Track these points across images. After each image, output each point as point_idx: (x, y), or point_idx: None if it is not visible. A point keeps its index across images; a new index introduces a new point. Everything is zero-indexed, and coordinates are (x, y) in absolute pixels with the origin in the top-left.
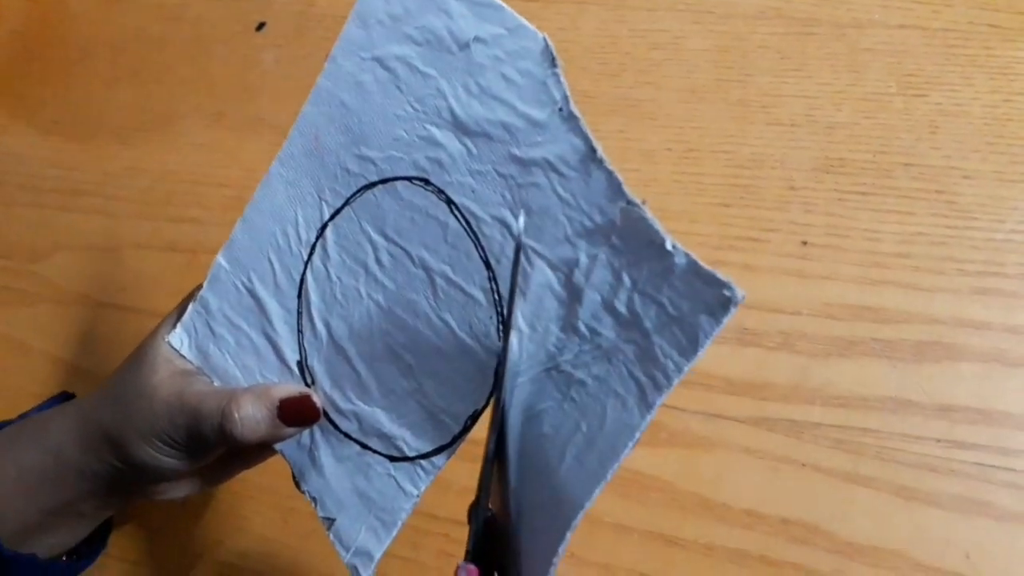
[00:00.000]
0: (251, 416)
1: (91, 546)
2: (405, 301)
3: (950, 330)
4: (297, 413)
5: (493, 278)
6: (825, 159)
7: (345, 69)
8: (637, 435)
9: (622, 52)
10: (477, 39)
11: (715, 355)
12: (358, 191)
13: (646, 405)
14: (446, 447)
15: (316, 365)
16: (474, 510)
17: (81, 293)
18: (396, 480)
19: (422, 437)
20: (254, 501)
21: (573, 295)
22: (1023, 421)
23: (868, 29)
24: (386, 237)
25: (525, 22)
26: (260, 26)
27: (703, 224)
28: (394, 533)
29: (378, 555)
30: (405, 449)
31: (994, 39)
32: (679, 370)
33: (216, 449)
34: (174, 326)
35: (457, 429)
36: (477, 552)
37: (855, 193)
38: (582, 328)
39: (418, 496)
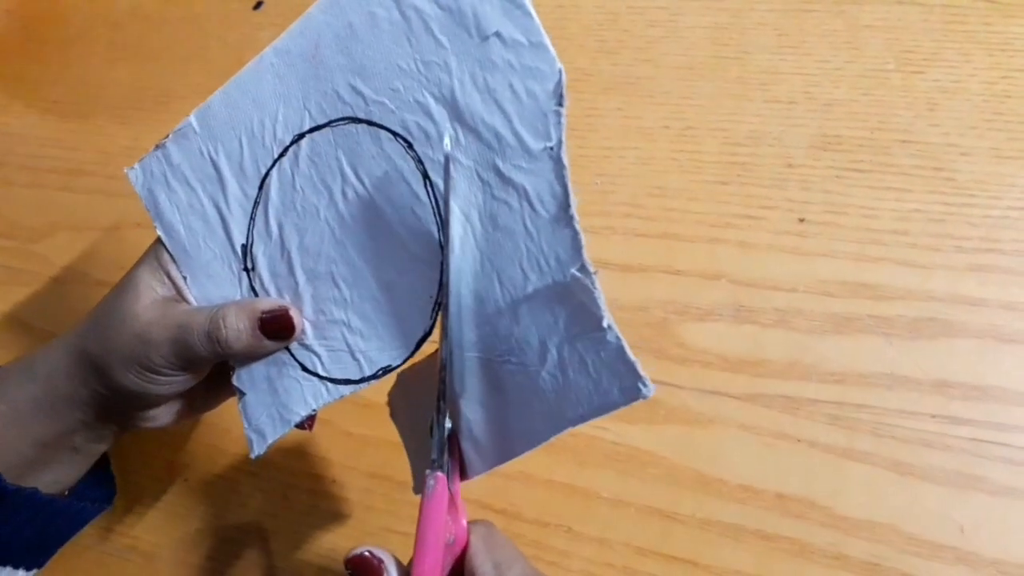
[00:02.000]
0: (234, 326)
1: (94, 486)
2: (358, 241)
3: (946, 307)
4: (276, 325)
5: (446, 268)
6: (823, 136)
7: None
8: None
9: (620, 29)
10: (498, 35)
11: (711, 332)
12: (344, 119)
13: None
14: (352, 382)
15: (260, 256)
16: (435, 422)
17: (81, 272)
18: (301, 387)
19: (336, 364)
20: (255, 477)
21: (513, 315)
22: (1018, 397)
23: (866, 5)
24: (357, 175)
25: (548, 42)
26: (258, 5)
27: (700, 202)
28: (287, 430)
29: (271, 440)
30: (318, 367)
31: (993, 15)
32: (583, 420)
33: (203, 363)
34: (157, 260)
35: (367, 373)
36: (442, 461)
37: (852, 170)
38: (513, 341)
39: (315, 410)
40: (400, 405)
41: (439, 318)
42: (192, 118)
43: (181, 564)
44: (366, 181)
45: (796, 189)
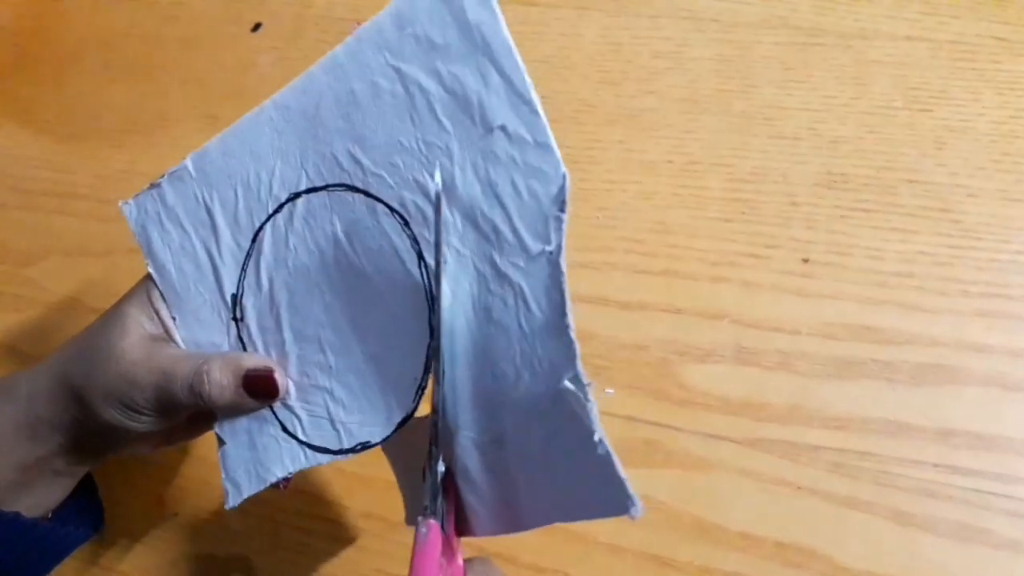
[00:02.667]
0: (218, 381)
1: (80, 512)
2: (348, 310)
3: (951, 352)
4: (259, 386)
5: (434, 348)
6: (828, 174)
7: (365, 58)
8: None
9: (624, 60)
10: (503, 128)
11: (712, 373)
12: (341, 185)
13: None
14: (331, 452)
15: (249, 308)
16: (428, 467)
17: (73, 298)
18: (280, 448)
19: (316, 431)
20: (246, 514)
21: (506, 407)
22: (1022, 447)
23: (874, 41)
24: (351, 244)
25: (554, 144)
26: (256, 27)
27: (703, 239)
28: (262, 487)
29: (246, 495)
30: (298, 430)
31: (1002, 53)
32: (574, 520)
33: (185, 410)
34: (148, 296)
35: (346, 445)
36: (435, 507)
37: (858, 210)
38: (507, 429)
39: (291, 474)
40: (392, 438)
41: (431, 390)
42: (188, 162)
43: None
44: (360, 251)
45: (801, 228)
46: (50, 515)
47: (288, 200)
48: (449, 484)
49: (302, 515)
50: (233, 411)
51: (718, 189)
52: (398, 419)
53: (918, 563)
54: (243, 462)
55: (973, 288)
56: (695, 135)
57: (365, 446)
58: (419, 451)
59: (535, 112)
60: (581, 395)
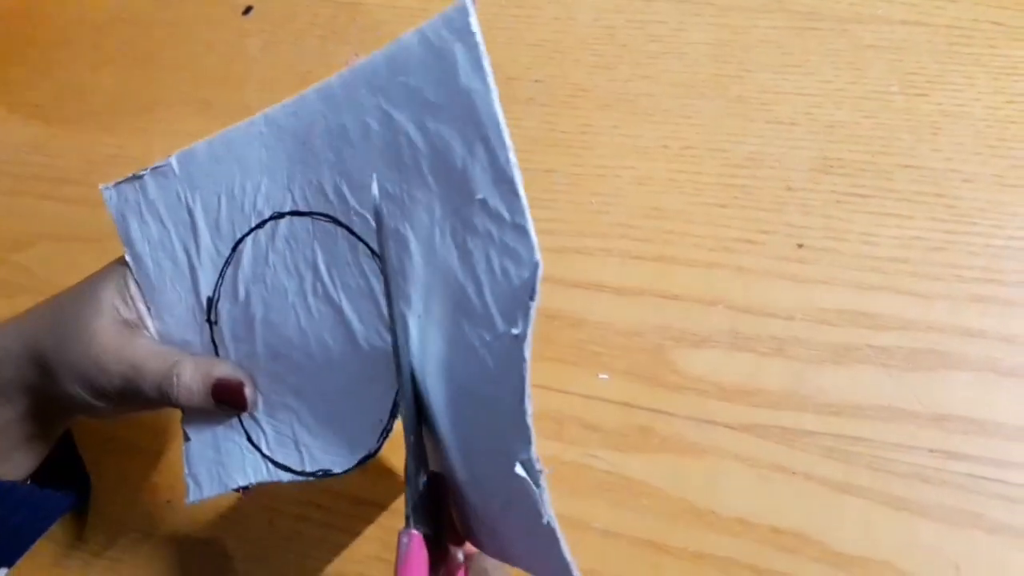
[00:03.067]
0: (187, 385)
1: (64, 482)
2: (321, 340)
3: (946, 338)
4: (228, 396)
5: (399, 400)
6: (823, 159)
7: (358, 95)
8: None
9: (618, 44)
10: (484, 202)
11: (707, 359)
12: (326, 216)
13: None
14: (292, 472)
15: (224, 314)
16: (408, 477)
17: (64, 284)
18: (243, 457)
19: (280, 448)
20: (239, 501)
21: (475, 461)
22: (1017, 432)
23: (870, 25)
24: (330, 276)
25: (531, 228)
26: (247, 10)
27: (698, 225)
28: (223, 491)
29: (207, 494)
30: (262, 444)
31: (999, 37)
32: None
33: (149, 404)
34: (124, 280)
35: (308, 468)
36: (418, 517)
37: (853, 195)
38: (477, 477)
39: (252, 485)
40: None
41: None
42: (174, 160)
43: None
44: (338, 285)
45: (796, 213)
46: (29, 481)
47: (272, 218)
48: (443, 490)
49: (296, 502)
50: (199, 414)
51: (713, 174)
52: (361, 455)
53: (912, 547)
54: (206, 462)
55: (968, 273)
56: (690, 120)
57: (327, 474)
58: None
59: (515, 192)
60: (531, 482)
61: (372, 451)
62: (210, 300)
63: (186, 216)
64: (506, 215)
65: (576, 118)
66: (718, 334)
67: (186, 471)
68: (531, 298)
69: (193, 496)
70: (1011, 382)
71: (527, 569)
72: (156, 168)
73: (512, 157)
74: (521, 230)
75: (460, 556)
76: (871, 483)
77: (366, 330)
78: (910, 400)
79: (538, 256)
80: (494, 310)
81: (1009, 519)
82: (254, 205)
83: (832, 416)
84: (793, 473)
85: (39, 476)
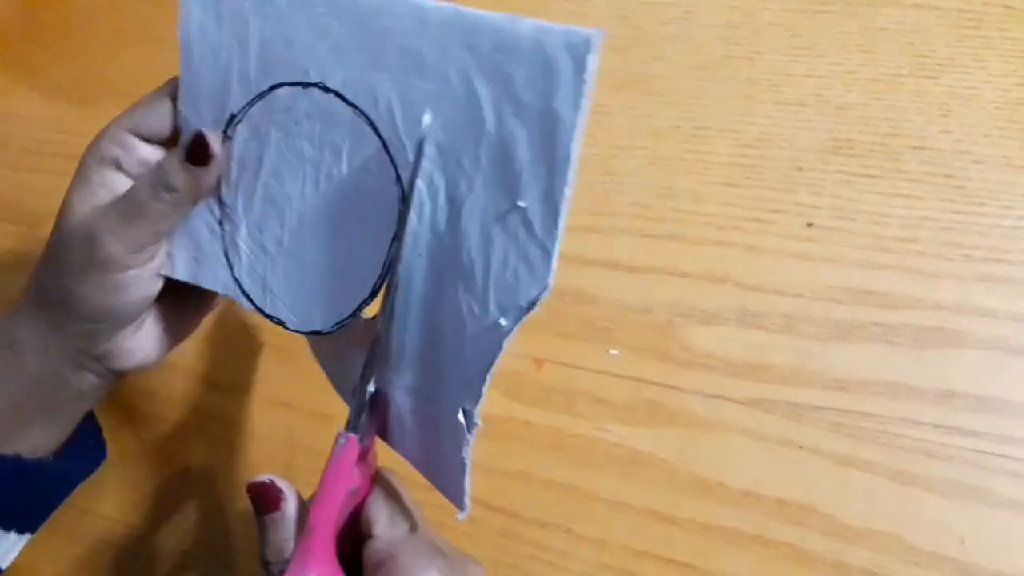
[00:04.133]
0: (167, 168)
1: (84, 451)
2: (316, 217)
3: (953, 316)
4: (197, 152)
5: (389, 281)
6: (833, 140)
7: (448, 40)
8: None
9: (632, 26)
10: (522, 210)
11: (716, 336)
12: (368, 121)
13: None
14: (252, 303)
15: (239, 136)
16: (360, 383)
17: None
18: (217, 266)
19: (249, 279)
20: (253, 471)
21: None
22: (1023, 409)
23: (881, 8)
24: (350, 172)
25: (555, 257)
26: None
27: (709, 204)
28: (191, 282)
29: (178, 276)
30: (235, 266)
31: (1009, 20)
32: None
33: (156, 220)
34: (99, 161)
35: (266, 309)
36: (356, 424)
37: (863, 175)
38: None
39: (220, 294)
40: (320, 341)
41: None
42: None
43: (179, 554)
44: (354, 184)
45: (805, 193)
46: (51, 457)
47: (318, 86)
48: (378, 402)
49: (311, 471)
50: (193, 195)
51: (724, 154)
52: (311, 328)
53: (918, 521)
54: (184, 251)
55: (976, 253)
56: (702, 101)
57: (280, 323)
58: (351, 366)
59: (555, 222)
60: (465, 428)
61: (323, 331)
62: (232, 116)
63: (243, 32)
64: (538, 232)
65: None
66: (727, 311)
67: (167, 246)
68: (530, 308)
69: (165, 270)
70: (1018, 360)
71: (432, 480)
72: None
73: (568, 193)
74: (546, 253)
75: (373, 467)
76: (878, 458)
77: (361, 235)
78: (917, 377)
79: (551, 281)
80: (491, 295)
81: (1015, 494)
82: (305, 65)
83: (839, 392)
84: (800, 447)
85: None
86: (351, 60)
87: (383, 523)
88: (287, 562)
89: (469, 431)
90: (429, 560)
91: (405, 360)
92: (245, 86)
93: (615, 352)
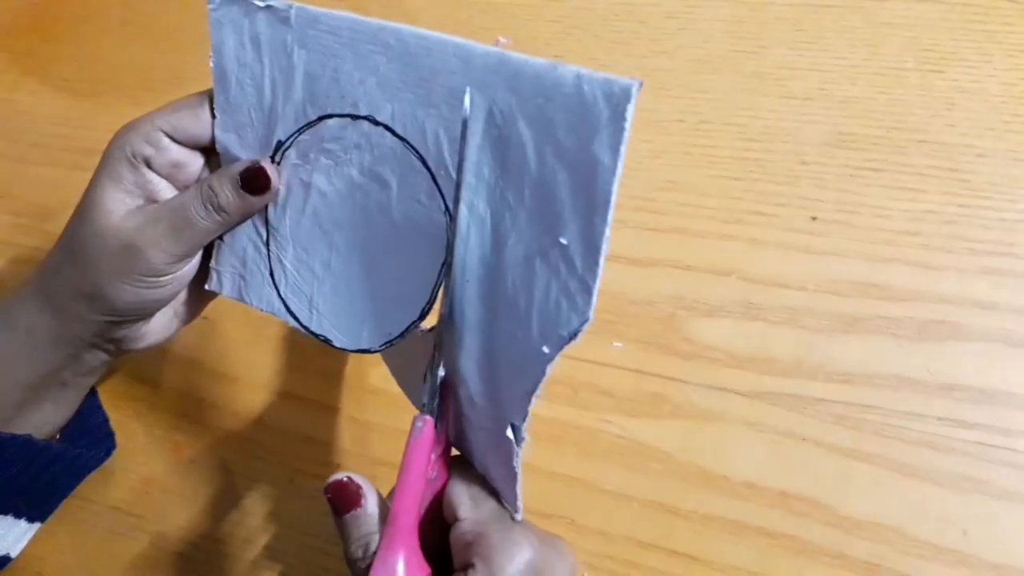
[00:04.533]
0: (220, 190)
1: (92, 442)
2: (366, 245)
3: (957, 309)
4: (253, 181)
5: (447, 270)
6: (838, 134)
7: (493, 82)
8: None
9: (636, 20)
10: (563, 246)
11: (719, 328)
12: (419, 157)
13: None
14: (298, 321)
15: (288, 163)
16: (430, 368)
17: None
18: (263, 285)
19: (295, 298)
20: (261, 461)
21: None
22: None
23: (886, 2)
24: (399, 203)
25: (595, 291)
26: None
27: (712, 197)
28: (236, 299)
29: (224, 293)
30: (281, 283)
31: (1014, 15)
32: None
33: (204, 237)
34: (128, 160)
35: (313, 328)
36: (431, 407)
37: (867, 169)
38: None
39: (263, 311)
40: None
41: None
42: (293, 11)
43: (186, 545)
44: (402, 214)
45: (809, 187)
46: (59, 436)
47: (367, 119)
48: (447, 392)
49: (317, 462)
50: (242, 216)
51: (728, 148)
52: (360, 347)
53: (920, 513)
54: (231, 268)
55: (980, 246)
56: (706, 95)
57: (326, 341)
58: (415, 358)
59: (596, 261)
60: (514, 442)
61: (371, 349)
62: (280, 143)
63: (286, 64)
64: (579, 268)
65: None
66: (730, 304)
67: (212, 263)
68: (570, 340)
69: (213, 286)
70: (1021, 353)
71: (489, 477)
72: (271, 7)
73: (607, 233)
74: (586, 287)
75: (449, 458)
76: (880, 450)
77: (410, 260)
78: (920, 370)
79: (592, 315)
80: (534, 323)
81: (1017, 486)
82: (354, 97)
83: (842, 384)
84: (803, 439)
85: (67, 435)
86: (400, 95)
87: (467, 505)
88: (374, 555)
89: (518, 444)
90: (520, 535)
91: (467, 372)
92: (292, 115)
93: (619, 345)
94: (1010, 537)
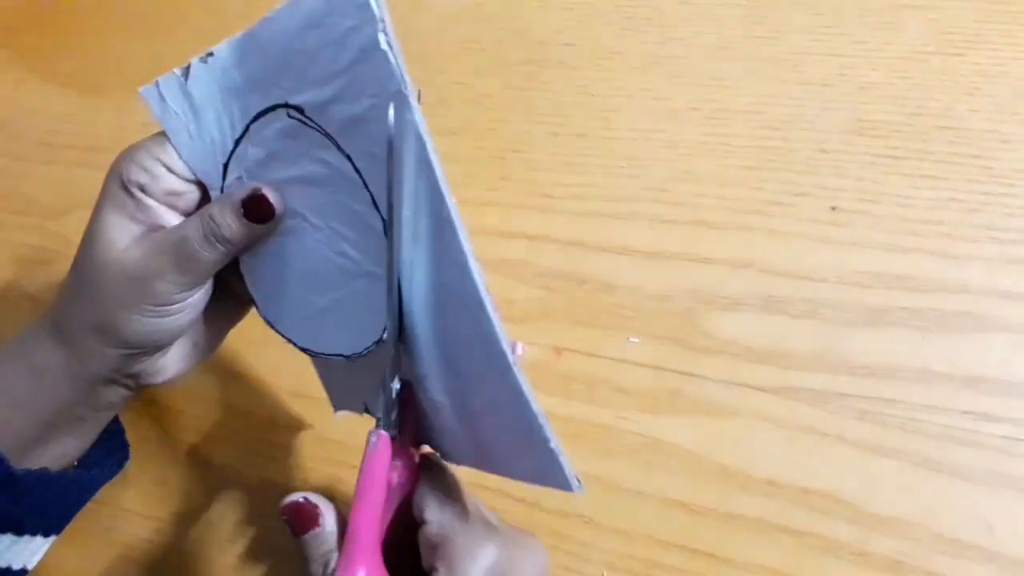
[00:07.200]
0: (222, 221)
1: (107, 454)
2: (321, 252)
3: (981, 300)
4: (256, 209)
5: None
6: (858, 121)
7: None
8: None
9: (650, 6)
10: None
11: (739, 322)
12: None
13: None
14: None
15: (231, 178)
16: (384, 383)
17: None
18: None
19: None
20: (274, 461)
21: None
22: None
23: None
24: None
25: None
26: None
27: (731, 187)
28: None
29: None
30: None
31: None
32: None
33: (208, 269)
34: (124, 191)
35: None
36: (387, 421)
37: (888, 157)
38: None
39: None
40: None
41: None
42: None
43: (200, 545)
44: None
45: (829, 175)
46: (76, 464)
47: (282, 106)
48: (407, 396)
49: (331, 462)
50: (249, 243)
51: (745, 136)
52: (337, 352)
53: (945, 509)
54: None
55: (1004, 235)
56: (722, 82)
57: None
58: (351, 367)
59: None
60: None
61: (350, 355)
62: (224, 166)
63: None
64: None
65: (607, 81)
66: (750, 297)
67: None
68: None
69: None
70: None
71: (501, 470)
72: (203, 59)
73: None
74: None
75: (416, 458)
76: (904, 445)
77: (352, 251)
78: (944, 362)
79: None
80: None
81: None
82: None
83: (865, 378)
84: (825, 435)
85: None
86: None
87: (433, 508)
88: (333, 573)
89: (542, 423)
90: (484, 536)
91: (425, 356)
92: (230, 134)
93: (636, 340)
94: None
